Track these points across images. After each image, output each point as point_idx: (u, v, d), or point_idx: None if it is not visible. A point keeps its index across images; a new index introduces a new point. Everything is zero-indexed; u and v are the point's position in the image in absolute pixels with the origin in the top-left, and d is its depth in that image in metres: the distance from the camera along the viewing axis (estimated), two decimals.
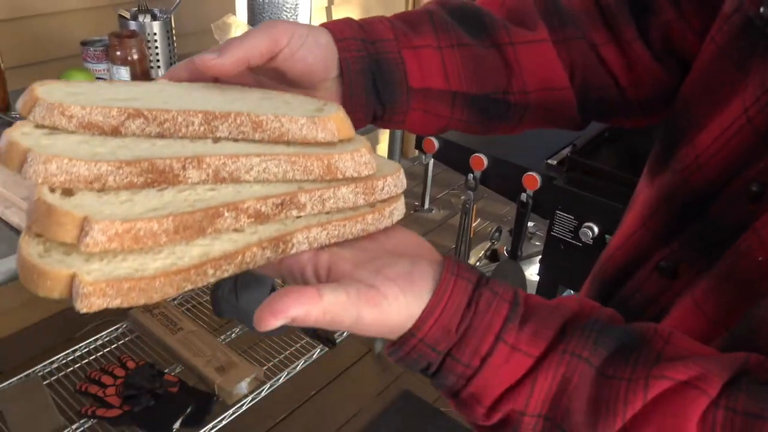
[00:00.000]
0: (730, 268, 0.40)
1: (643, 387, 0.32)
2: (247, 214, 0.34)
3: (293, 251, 0.35)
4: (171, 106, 0.37)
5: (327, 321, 0.33)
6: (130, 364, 1.58)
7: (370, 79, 0.45)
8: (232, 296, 1.72)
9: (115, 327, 1.75)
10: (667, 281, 0.46)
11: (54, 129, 0.35)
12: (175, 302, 1.88)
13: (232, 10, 2.14)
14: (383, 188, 0.38)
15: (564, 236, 1.48)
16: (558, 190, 1.46)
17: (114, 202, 0.32)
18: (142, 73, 1.38)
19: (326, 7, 2.52)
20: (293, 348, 1.75)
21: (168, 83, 0.42)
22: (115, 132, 0.35)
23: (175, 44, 1.56)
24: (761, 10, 0.41)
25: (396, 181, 0.39)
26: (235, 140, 0.37)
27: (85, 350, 1.68)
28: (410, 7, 2.98)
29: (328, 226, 0.36)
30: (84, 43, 1.40)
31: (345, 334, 1.84)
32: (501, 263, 1.89)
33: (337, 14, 2.59)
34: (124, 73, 1.36)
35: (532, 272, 1.95)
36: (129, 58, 1.34)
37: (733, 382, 0.32)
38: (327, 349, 1.76)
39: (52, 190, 0.32)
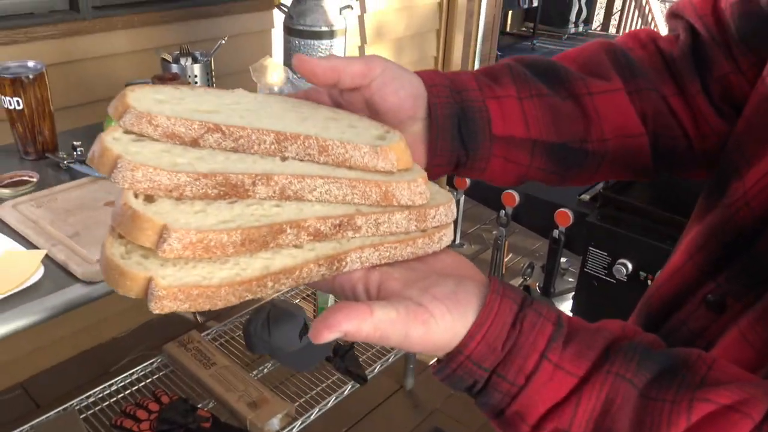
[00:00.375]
0: None
1: (687, 409, 0.32)
2: (307, 231, 0.36)
3: (346, 269, 0.37)
4: (247, 121, 0.39)
5: (377, 337, 0.34)
6: (164, 399, 1.60)
7: (455, 124, 0.47)
8: (265, 332, 1.73)
9: (149, 362, 1.78)
10: (713, 315, 0.46)
11: (141, 136, 0.37)
12: (209, 337, 1.90)
13: (269, 53, 2.21)
14: (435, 216, 0.40)
15: (597, 273, 1.47)
16: (591, 227, 1.45)
17: (189, 211, 0.34)
18: None
19: (359, 47, 2.58)
20: (325, 384, 1.74)
21: (244, 94, 0.44)
22: (194, 143, 0.38)
23: (215, 85, 1.62)
24: None
25: (447, 211, 0.41)
26: (301, 160, 0.39)
27: (121, 384, 1.70)
28: (441, 49, 3.04)
29: (380, 248, 0.38)
30: (128, 85, 1.46)
31: (376, 370, 1.83)
32: None
33: (370, 53, 2.64)
34: None
35: (565, 309, 1.92)
36: None
37: None
38: (358, 385, 1.75)
39: (136, 196, 0.34)
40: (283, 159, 0.39)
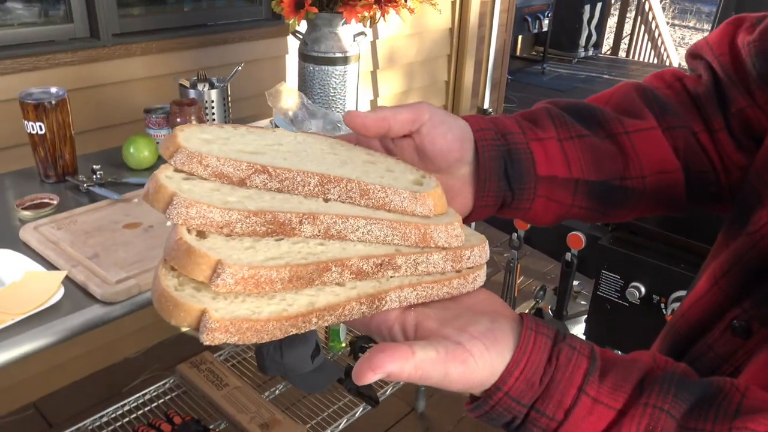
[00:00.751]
0: None
1: None
2: (350, 270, 0.38)
3: (385, 308, 0.39)
4: (290, 163, 0.41)
5: (417, 377, 0.35)
6: (177, 420, 1.60)
7: (502, 166, 0.49)
8: (277, 353, 1.74)
9: (162, 382, 1.79)
10: (740, 340, 0.47)
11: (191, 175, 0.39)
12: (221, 358, 1.91)
13: (284, 78, 2.24)
14: (469, 257, 0.42)
15: (610, 296, 1.47)
16: (603, 250, 1.46)
17: (239, 247, 0.36)
18: None
19: (371, 72, 2.62)
20: (336, 406, 1.74)
21: (284, 134, 0.46)
22: (241, 183, 0.40)
23: (230, 109, 1.65)
24: None
25: (481, 252, 0.43)
26: (342, 202, 0.41)
27: (134, 405, 1.71)
28: (452, 74, 3.07)
29: (418, 287, 0.39)
30: (147, 111, 1.49)
31: (388, 392, 1.83)
32: None
33: (382, 78, 2.68)
34: None
35: (578, 332, 1.91)
36: (188, 124, 1.43)
37: None
38: (370, 407, 1.74)
39: (189, 232, 0.36)
40: (326, 200, 0.40)
